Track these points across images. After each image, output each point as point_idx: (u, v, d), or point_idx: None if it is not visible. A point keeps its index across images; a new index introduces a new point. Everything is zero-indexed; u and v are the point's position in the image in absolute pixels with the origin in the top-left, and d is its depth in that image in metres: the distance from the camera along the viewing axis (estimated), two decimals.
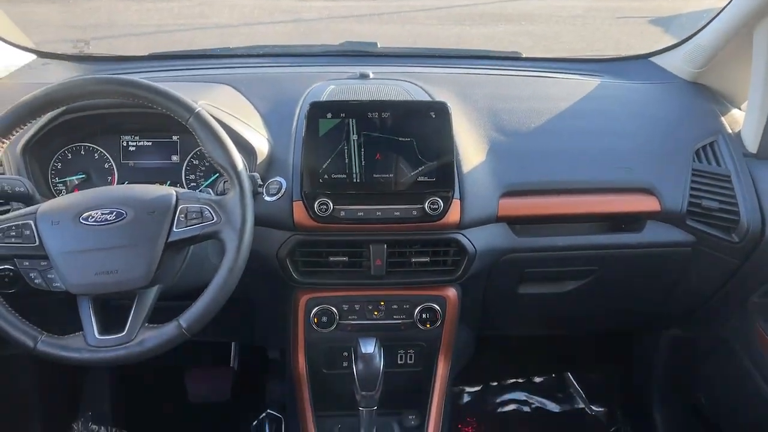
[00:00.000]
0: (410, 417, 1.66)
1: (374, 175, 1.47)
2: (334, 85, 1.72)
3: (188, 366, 2.30)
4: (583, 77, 1.92)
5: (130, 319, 1.25)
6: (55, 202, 1.30)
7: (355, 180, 1.47)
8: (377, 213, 1.48)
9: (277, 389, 2.27)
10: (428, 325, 1.61)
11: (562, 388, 2.42)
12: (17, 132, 1.30)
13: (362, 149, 1.46)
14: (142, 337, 1.23)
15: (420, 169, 1.46)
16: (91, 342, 1.23)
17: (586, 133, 1.70)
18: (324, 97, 1.66)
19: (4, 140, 1.28)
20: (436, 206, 1.47)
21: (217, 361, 2.28)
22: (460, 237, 1.53)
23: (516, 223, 1.60)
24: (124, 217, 1.26)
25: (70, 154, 1.65)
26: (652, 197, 1.61)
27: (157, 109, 1.31)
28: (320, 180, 1.47)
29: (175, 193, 1.30)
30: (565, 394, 2.41)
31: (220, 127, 1.31)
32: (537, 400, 2.40)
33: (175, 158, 1.68)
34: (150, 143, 1.67)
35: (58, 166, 1.65)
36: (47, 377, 2.07)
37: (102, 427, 2.23)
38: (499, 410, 2.39)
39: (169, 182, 1.65)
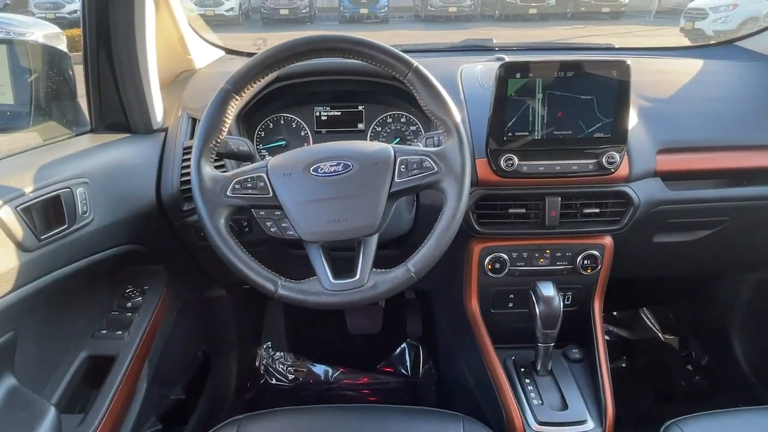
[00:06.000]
0: (574, 350, 1.23)
1: (555, 132, 1.05)
2: (482, 65, 1.30)
3: None
4: (686, 59, 1.46)
5: (360, 264, 0.85)
6: (283, 156, 0.90)
7: (537, 137, 1.05)
8: (557, 167, 1.07)
9: (415, 324, 1.87)
10: (589, 271, 1.19)
11: (637, 321, 1.97)
12: (248, 89, 0.89)
13: (546, 107, 1.04)
14: (374, 281, 0.85)
15: (598, 125, 1.05)
16: (327, 287, 0.84)
17: (716, 99, 1.26)
18: (477, 74, 1.25)
19: (237, 96, 0.88)
20: (613, 160, 1.06)
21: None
22: (627, 189, 1.11)
23: (669, 178, 1.17)
24: (351, 169, 0.86)
25: (271, 124, 1.24)
26: None
27: (376, 64, 0.90)
28: (505, 137, 1.05)
29: (391, 146, 0.89)
30: (641, 325, 1.96)
31: (436, 81, 0.89)
32: (617, 331, 1.96)
33: (360, 126, 1.26)
34: (339, 113, 1.25)
35: (262, 134, 1.24)
36: (239, 313, 1.68)
37: (280, 353, 1.84)
38: None
39: None
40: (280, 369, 1.80)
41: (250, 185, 0.88)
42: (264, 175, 0.88)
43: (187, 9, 1.33)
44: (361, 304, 0.87)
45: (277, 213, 0.92)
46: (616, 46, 1.66)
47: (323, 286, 0.86)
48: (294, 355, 1.83)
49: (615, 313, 1.98)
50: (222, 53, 1.57)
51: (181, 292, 1.32)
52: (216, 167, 1.09)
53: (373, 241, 0.88)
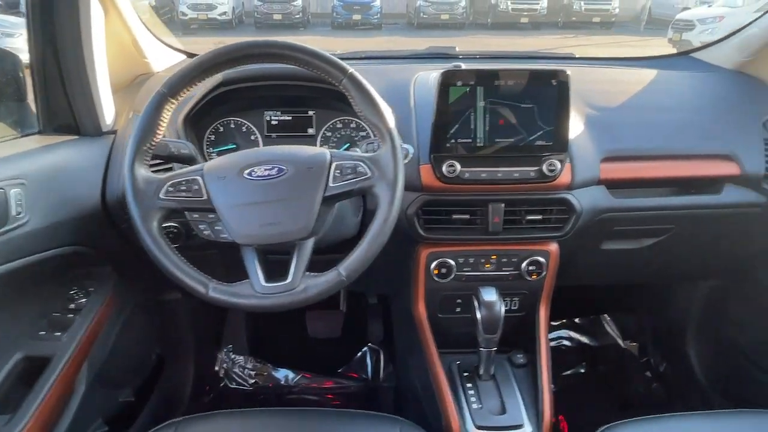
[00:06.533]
0: (519, 356, 1.24)
1: (497, 140, 1.06)
2: (436, 73, 1.31)
3: (308, 308, 1.90)
4: (639, 69, 1.48)
5: (292, 268, 0.85)
6: (219, 160, 0.91)
7: (479, 144, 1.07)
8: (498, 174, 1.08)
9: (376, 328, 1.87)
10: (534, 276, 1.19)
11: (599, 327, 1.99)
12: (184, 93, 0.90)
13: (487, 115, 1.05)
14: (305, 284, 0.84)
15: (539, 133, 1.06)
16: (258, 289, 0.84)
17: (664, 108, 1.27)
18: (430, 81, 1.26)
19: (173, 100, 0.89)
20: (554, 168, 1.07)
21: (329, 305, 1.88)
22: (569, 197, 1.12)
23: (613, 186, 1.18)
24: (285, 173, 0.86)
25: (221, 128, 1.25)
26: (732, 163, 1.19)
27: (312, 70, 0.90)
28: (448, 144, 1.07)
29: (328, 151, 0.90)
30: (602, 332, 1.97)
31: (372, 87, 0.90)
32: (579, 337, 1.97)
33: (310, 131, 1.26)
34: (290, 118, 1.26)
35: (212, 138, 1.24)
36: (198, 317, 1.68)
37: (240, 357, 1.84)
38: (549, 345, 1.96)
39: None
40: (240, 373, 1.80)
41: (183, 188, 0.87)
42: (199, 178, 0.88)
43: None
44: (292, 307, 0.87)
45: (210, 216, 0.92)
46: (577, 56, 1.68)
47: (254, 288, 0.86)
48: (255, 359, 1.83)
49: (577, 320, 1.99)
50: (183, 57, 1.57)
51: (131, 294, 1.32)
52: (166, 170, 1.10)
53: (308, 244, 0.89)
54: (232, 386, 1.78)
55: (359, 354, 1.86)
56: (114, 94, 1.22)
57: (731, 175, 1.19)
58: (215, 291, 0.86)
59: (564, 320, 1.98)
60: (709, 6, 10.64)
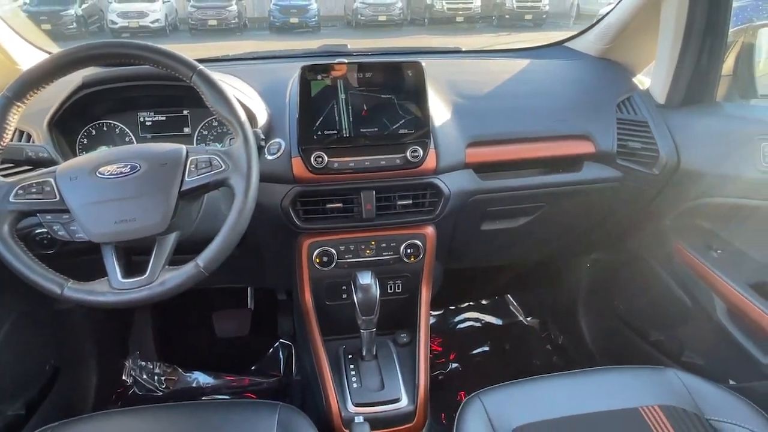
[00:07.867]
0: (402, 335, 1.29)
1: (361, 129, 1.11)
2: None
3: (215, 309, 1.90)
4: (514, 59, 1.58)
5: (151, 262, 0.87)
6: (72, 161, 0.91)
7: (344, 134, 1.11)
8: (366, 163, 1.12)
9: (286, 323, 1.89)
10: (413, 259, 1.24)
11: (503, 307, 2.08)
12: (31, 96, 0.89)
13: (350, 106, 1.10)
14: (163, 278, 0.86)
15: (401, 122, 1.12)
16: (115, 285, 0.85)
17: (527, 95, 1.36)
18: None
19: (19, 104, 0.88)
20: (417, 154, 1.13)
21: (237, 304, 1.88)
22: (437, 181, 1.18)
23: (480, 169, 1.25)
24: (138, 170, 0.88)
25: (94, 131, 1.23)
26: (588, 142, 1.28)
27: (162, 69, 0.92)
28: (314, 136, 1.10)
29: (185, 147, 0.92)
30: (506, 311, 2.07)
31: (222, 82, 0.93)
32: (485, 318, 2.06)
33: (186, 130, 1.27)
34: (164, 118, 1.26)
35: (84, 142, 1.23)
36: (99, 324, 1.65)
37: (149, 362, 1.81)
38: (458, 327, 2.04)
39: None
40: (150, 379, 1.77)
41: (34, 190, 0.87)
42: (51, 179, 0.88)
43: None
44: (150, 301, 0.88)
45: (65, 217, 0.92)
46: (463, 49, 1.76)
47: (111, 285, 0.87)
48: (164, 364, 1.81)
49: (484, 301, 2.08)
50: None
51: (12, 303, 1.29)
52: None
53: (169, 240, 0.90)
54: (142, 393, 1.76)
55: (270, 350, 1.87)
56: None
57: (588, 153, 1.29)
58: (70, 290, 0.86)
59: (471, 302, 2.06)
60: None
